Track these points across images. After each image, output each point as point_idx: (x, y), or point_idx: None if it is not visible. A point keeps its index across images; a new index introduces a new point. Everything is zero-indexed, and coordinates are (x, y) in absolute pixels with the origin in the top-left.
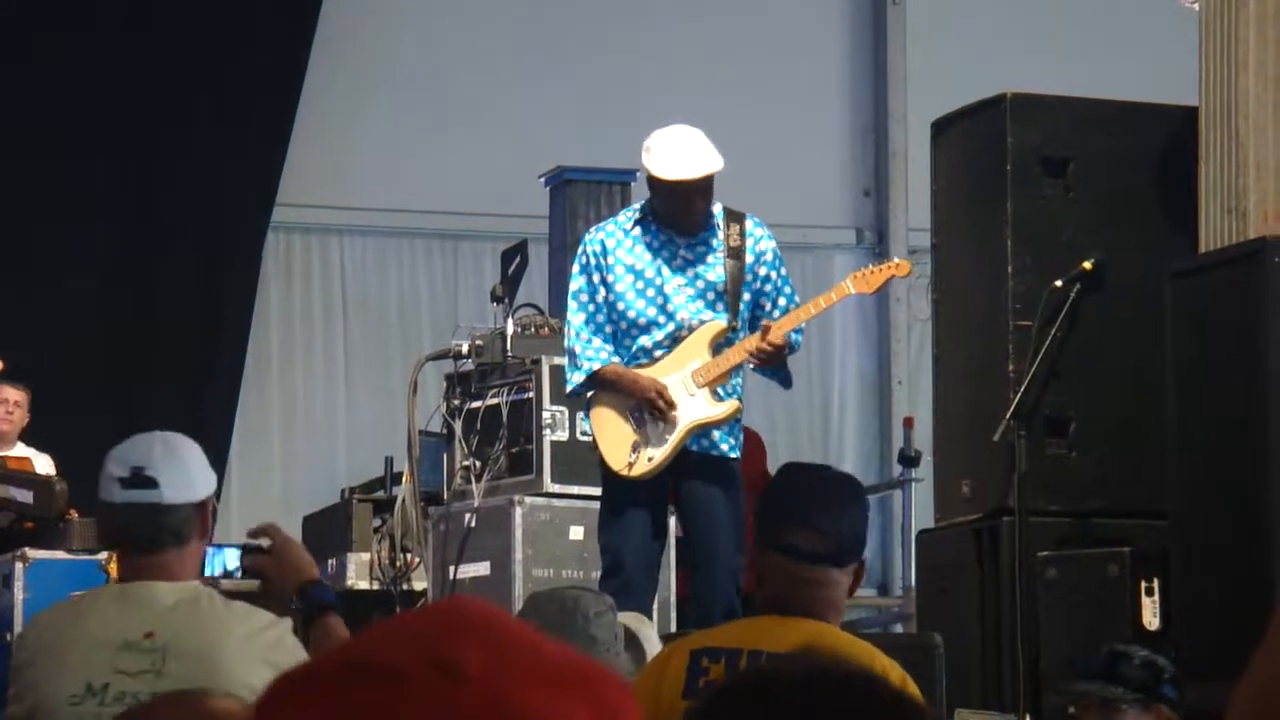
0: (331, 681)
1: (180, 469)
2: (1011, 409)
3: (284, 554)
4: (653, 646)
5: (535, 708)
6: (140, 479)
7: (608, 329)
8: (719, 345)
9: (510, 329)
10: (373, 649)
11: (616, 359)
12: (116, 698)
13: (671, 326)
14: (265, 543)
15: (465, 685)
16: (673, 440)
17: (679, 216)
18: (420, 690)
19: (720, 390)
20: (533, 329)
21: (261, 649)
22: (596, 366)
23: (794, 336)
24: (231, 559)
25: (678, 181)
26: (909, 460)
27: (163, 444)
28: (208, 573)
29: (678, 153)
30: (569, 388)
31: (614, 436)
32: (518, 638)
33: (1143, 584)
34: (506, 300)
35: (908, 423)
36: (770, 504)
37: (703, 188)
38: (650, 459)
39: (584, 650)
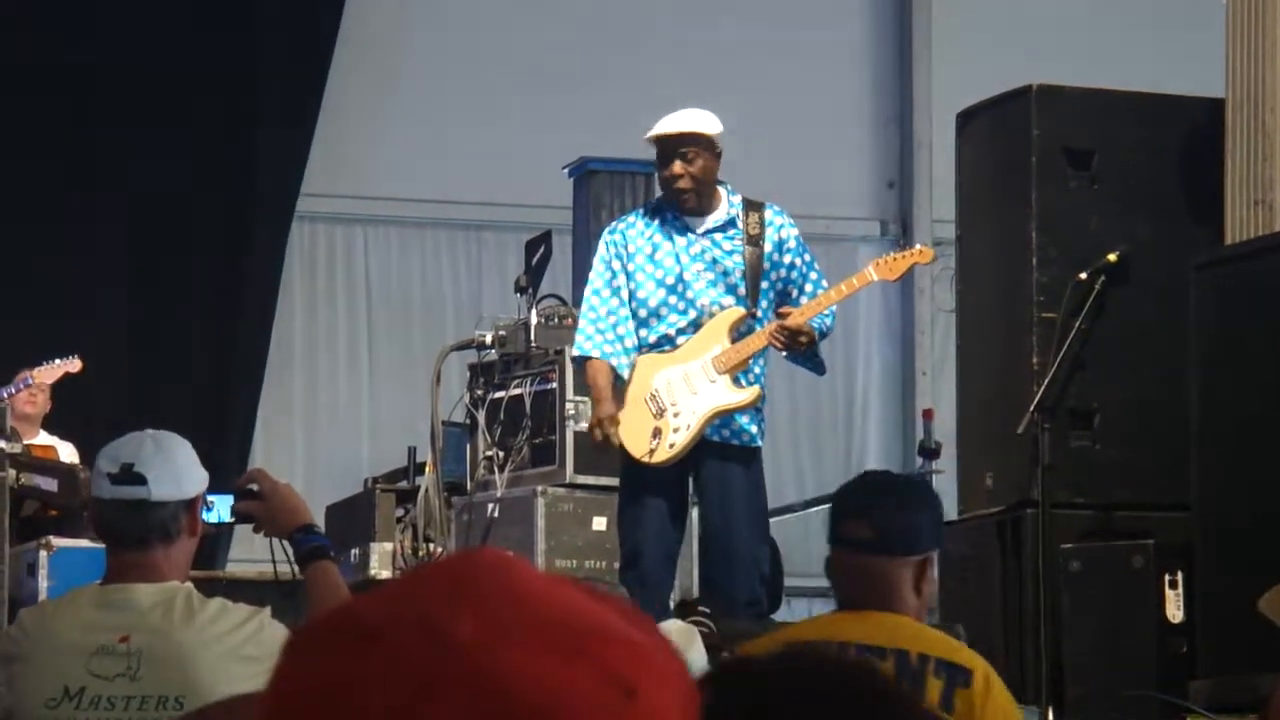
0: (319, 643)
1: (169, 466)
2: (1035, 401)
3: (272, 498)
4: (697, 660)
5: (526, 675)
6: (129, 475)
7: (622, 311)
8: (739, 332)
9: (534, 319)
10: (364, 607)
11: (603, 357)
12: (92, 702)
13: (693, 314)
14: (255, 487)
15: (451, 650)
16: (694, 427)
17: (673, 181)
18: (402, 653)
19: (741, 377)
20: (556, 319)
21: (236, 646)
22: (584, 357)
23: (827, 321)
24: (227, 507)
25: (657, 138)
26: (929, 452)
27: (153, 441)
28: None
29: (666, 117)
30: (573, 352)
31: (634, 424)
32: (524, 594)
33: (1166, 577)
34: (530, 291)
35: (927, 414)
36: (832, 505)
37: (689, 143)
38: (671, 445)
39: None
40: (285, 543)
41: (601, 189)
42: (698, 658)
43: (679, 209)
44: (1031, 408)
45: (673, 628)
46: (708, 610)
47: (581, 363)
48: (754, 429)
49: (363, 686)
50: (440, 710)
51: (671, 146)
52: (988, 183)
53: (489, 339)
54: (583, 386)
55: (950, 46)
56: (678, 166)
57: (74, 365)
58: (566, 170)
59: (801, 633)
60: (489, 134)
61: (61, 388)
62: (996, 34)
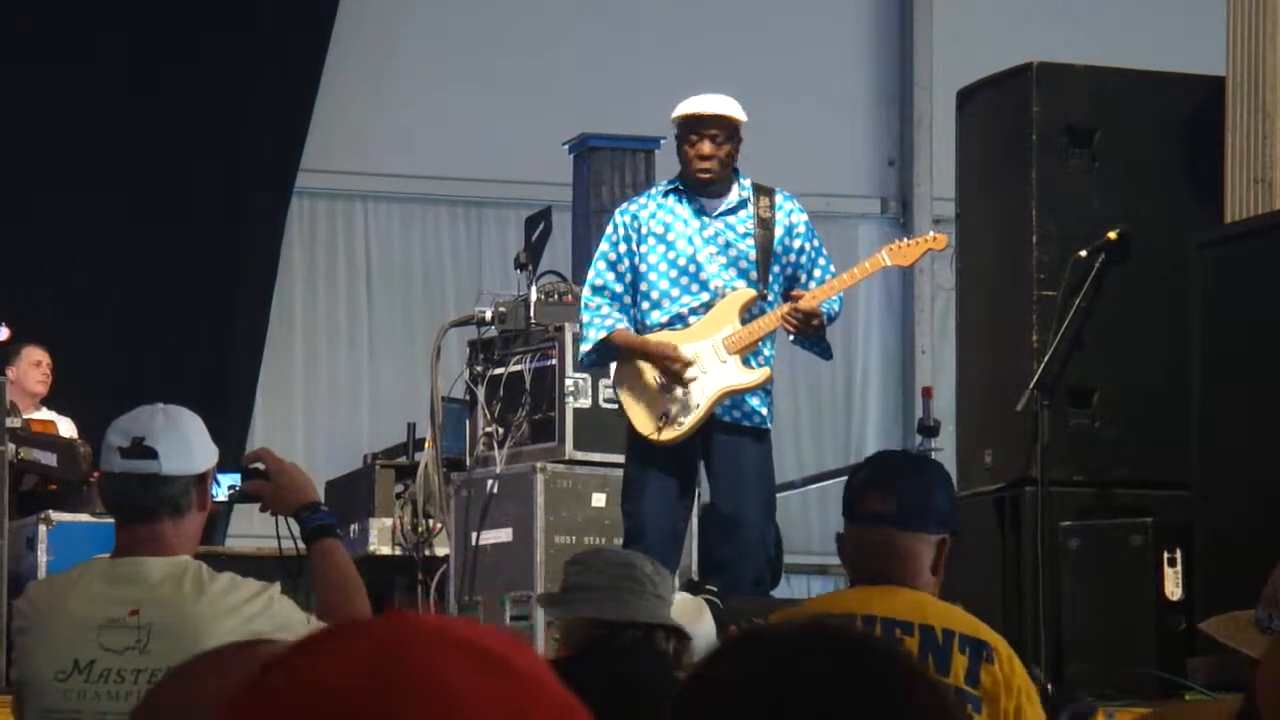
0: None
1: (180, 440)
2: (1035, 379)
3: (278, 477)
4: (706, 632)
5: None
6: (139, 449)
7: (625, 299)
8: (749, 314)
9: (534, 296)
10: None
11: (624, 325)
12: (102, 675)
13: (705, 296)
14: (261, 466)
15: None
16: (703, 406)
17: (701, 160)
18: None
19: (751, 359)
20: (556, 296)
21: (246, 620)
22: (603, 335)
23: (835, 306)
24: (226, 486)
25: (697, 115)
26: (928, 430)
27: (164, 415)
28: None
29: (699, 96)
30: (580, 357)
31: (642, 401)
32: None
33: (1165, 554)
34: (530, 267)
35: (926, 392)
36: (848, 481)
37: (724, 128)
38: (680, 424)
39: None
40: (289, 519)
41: (602, 165)
42: (707, 630)
43: (693, 189)
44: (1031, 385)
45: (683, 600)
46: (716, 589)
47: (600, 351)
48: (764, 411)
49: None
50: None
51: (704, 126)
52: (988, 161)
53: (489, 315)
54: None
55: (951, 24)
56: (707, 147)
57: (1, 333)
58: (567, 146)
59: (824, 606)
60: (489, 110)
61: (63, 364)
62: (997, 12)
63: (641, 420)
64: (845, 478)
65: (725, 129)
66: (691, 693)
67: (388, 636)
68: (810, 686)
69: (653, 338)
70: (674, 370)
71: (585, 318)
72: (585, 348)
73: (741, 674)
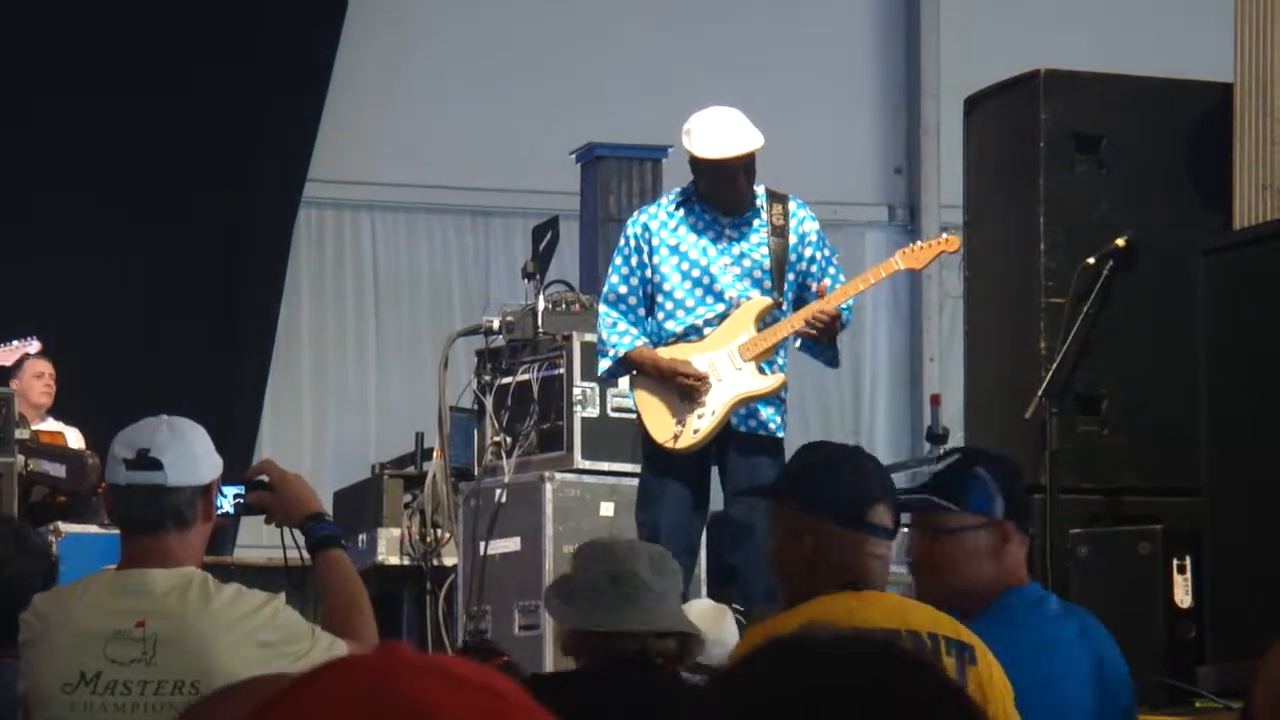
0: None
1: (185, 452)
2: (1043, 386)
3: (283, 488)
4: (729, 636)
5: None
6: (144, 461)
7: (640, 311)
8: (765, 321)
9: (541, 305)
10: None
11: (643, 340)
12: (108, 687)
13: (721, 307)
14: (265, 478)
15: None
16: (719, 413)
17: (723, 195)
18: None
19: (765, 367)
20: (564, 305)
21: (252, 631)
22: (623, 352)
23: (844, 313)
24: (230, 498)
25: (721, 160)
26: (936, 438)
27: (169, 427)
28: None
29: (719, 132)
30: (600, 372)
31: (659, 410)
32: None
33: (1174, 562)
34: (538, 276)
35: (935, 400)
36: (842, 484)
37: (745, 165)
38: (696, 431)
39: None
40: (294, 530)
41: (609, 174)
42: (729, 635)
43: (716, 207)
44: (1039, 393)
45: (705, 606)
46: (742, 609)
47: (620, 368)
48: (778, 419)
49: None
50: None
51: (749, 162)
52: (995, 168)
53: (496, 324)
54: (589, 372)
55: (957, 31)
56: (744, 183)
57: (33, 346)
58: (574, 156)
59: (811, 614)
60: (496, 120)
61: (67, 373)
62: (1004, 18)
63: (658, 429)
64: None
65: (752, 158)
66: (718, 697)
67: (381, 670)
68: (854, 700)
69: (665, 354)
70: (687, 386)
71: (603, 334)
72: (605, 364)
73: (780, 682)
